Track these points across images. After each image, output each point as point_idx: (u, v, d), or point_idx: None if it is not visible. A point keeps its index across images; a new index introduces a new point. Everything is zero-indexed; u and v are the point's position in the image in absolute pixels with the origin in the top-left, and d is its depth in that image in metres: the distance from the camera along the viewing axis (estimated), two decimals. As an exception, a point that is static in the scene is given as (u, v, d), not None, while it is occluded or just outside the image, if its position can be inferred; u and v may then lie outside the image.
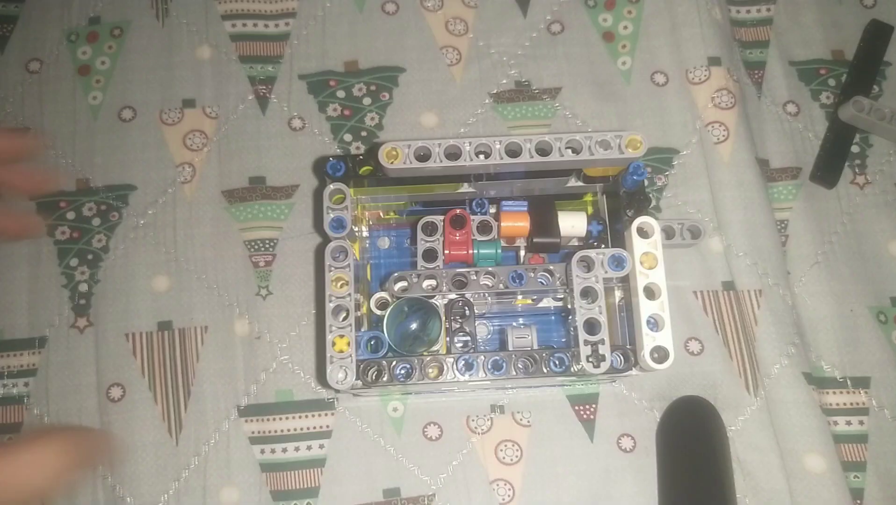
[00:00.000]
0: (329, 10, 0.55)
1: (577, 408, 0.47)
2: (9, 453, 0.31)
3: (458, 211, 0.37)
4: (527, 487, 0.45)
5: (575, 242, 0.40)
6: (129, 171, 0.52)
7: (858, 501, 0.45)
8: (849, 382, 0.48)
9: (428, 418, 0.47)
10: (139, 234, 0.50)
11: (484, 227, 0.39)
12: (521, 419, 0.47)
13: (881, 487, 0.46)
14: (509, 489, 0.45)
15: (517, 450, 0.46)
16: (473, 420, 0.47)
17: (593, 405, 0.47)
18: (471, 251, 0.38)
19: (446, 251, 0.37)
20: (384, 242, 0.45)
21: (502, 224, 0.38)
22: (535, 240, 0.37)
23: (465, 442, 0.46)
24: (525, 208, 0.38)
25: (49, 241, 0.50)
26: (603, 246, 0.39)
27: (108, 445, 0.40)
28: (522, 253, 0.41)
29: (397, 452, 0.46)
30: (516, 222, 0.38)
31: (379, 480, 0.46)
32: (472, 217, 0.39)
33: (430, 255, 0.38)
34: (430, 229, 0.38)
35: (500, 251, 0.38)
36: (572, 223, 0.38)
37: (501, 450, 0.46)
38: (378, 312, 0.38)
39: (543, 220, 0.38)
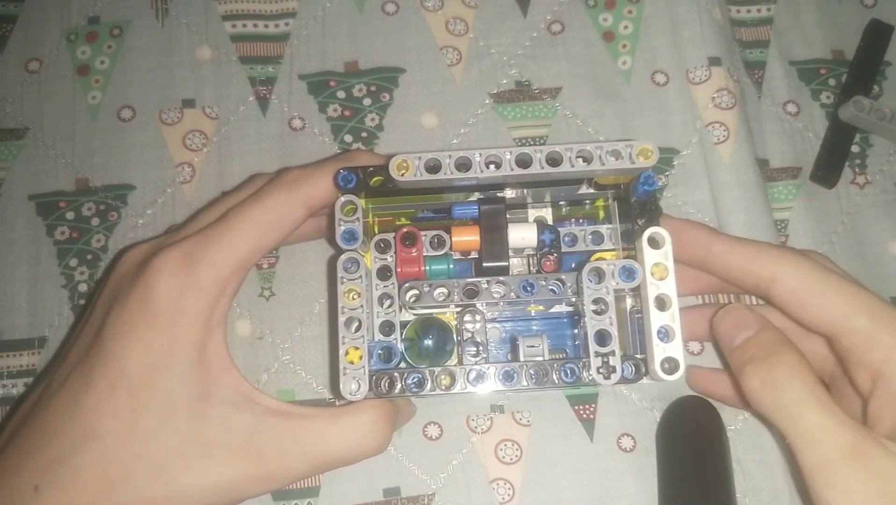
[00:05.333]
0: (329, 10, 0.55)
1: (576, 408, 0.47)
2: (339, 417, 0.37)
3: (405, 230, 0.38)
4: (526, 486, 0.46)
5: (529, 252, 0.39)
6: (128, 171, 0.52)
7: (858, 501, 0.45)
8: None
9: (428, 418, 0.47)
10: (138, 234, 0.50)
11: (438, 242, 0.39)
12: (520, 419, 0.47)
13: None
14: (509, 488, 0.45)
15: (517, 449, 0.46)
16: (473, 420, 0.47)
17: (593, 405, 0.47)
18: (422, 268, 0.38)
19: (398, 269, 0.37)
20: None
21: (454, 238, 0.38)
22: (484, 265, 0.37)
23: (464, 441, 0.46)
24: (476, 214, 0.38)
25: (48, 242, 0.50)
26: (554, 254, 0.38)
27: (412, 410, 0.44)
28: (528, 260, 0.40)
29: (397, 452, 0.46)
30: (467, 236, 0.37)
31: (379, 479, 0.46)
32: (424, 233, 0.39)
33: (383, 272, 0.38)
34: (384, 246, 0.38)
35: (452, 266, 0.38)
36: (522, 235, 0.38)
37: (501, 449, 0.46)
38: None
39: (492, 237, 0.37)
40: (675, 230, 0.38)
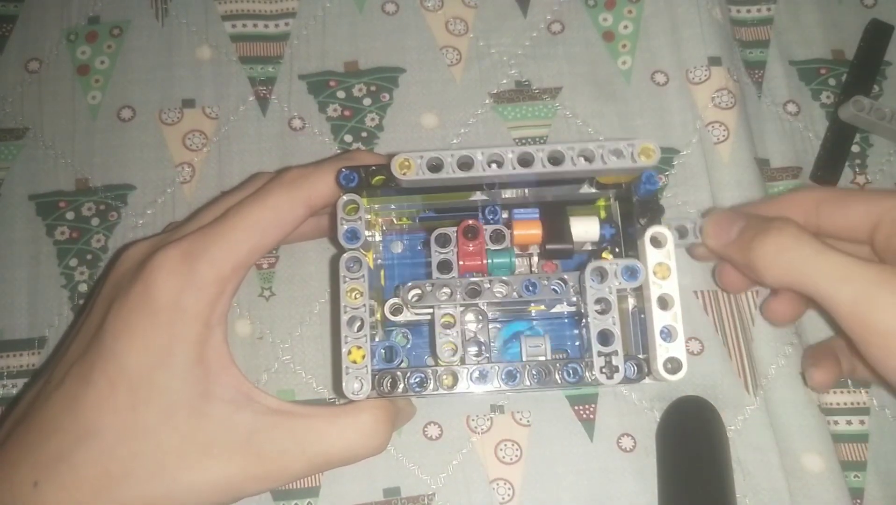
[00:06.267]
0: (329, 10, 0.55)
1: (576, 408, 0.47)
2: (339, 416, 0.37)
3: (470, 222, 0.37)
4: (526, 486, 0.45)
5: (588, 247, 0.40)
6: (128, 170, 0.52)
7: (858, 501, 0.45)
8: (849, 382, 0.48)
9: (428, 418, 0.47)
10: (138, 234, 0.50)
11: (497, 237, 0.39)
12: (520, 419, 0.47)
13: (881, 486, 0.46)
14: (509, 488, 0.45)
15: (517, 449, 0.46)
16: (473, 420, 0.47)
17: (593, 405, 0.47)
18: (485, 261, 0.37)
19: (460, 262, 0.37)
20: (397, 247, 0.45)
21: (515, 232, 0.38)
22: (548, 247, 0.37)
23: (465, 441, 0.46)
24: (537, 216, 0.38)
25: (48, 242, 0.50)
26: (617, 250, 0.39)
27: (412, 410, 0.44)
28: (535, 260, 0.40)
29: (397, 452, 0.46)
30: (529, 230, 0.37)
31: (379, 479, 0.46)
32: (485, 226, 0.38)
33: (444, 266, 0.38)
34: (444, 241, 0.38)
35: (514, 259, 0.38)
36: (585, 228, 0.38)
37: (501, 449, 0.46)
38: (392, 318, 0.38)
39: (556, 226, 0.37)
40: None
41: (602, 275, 0.35)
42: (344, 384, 0.34)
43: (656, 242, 0.35)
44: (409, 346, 0.44)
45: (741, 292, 0.48)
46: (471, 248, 0.37)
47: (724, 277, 0.45)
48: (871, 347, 0.34)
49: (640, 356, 0.35)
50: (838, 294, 0.34)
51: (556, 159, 0.34)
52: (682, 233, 0.43)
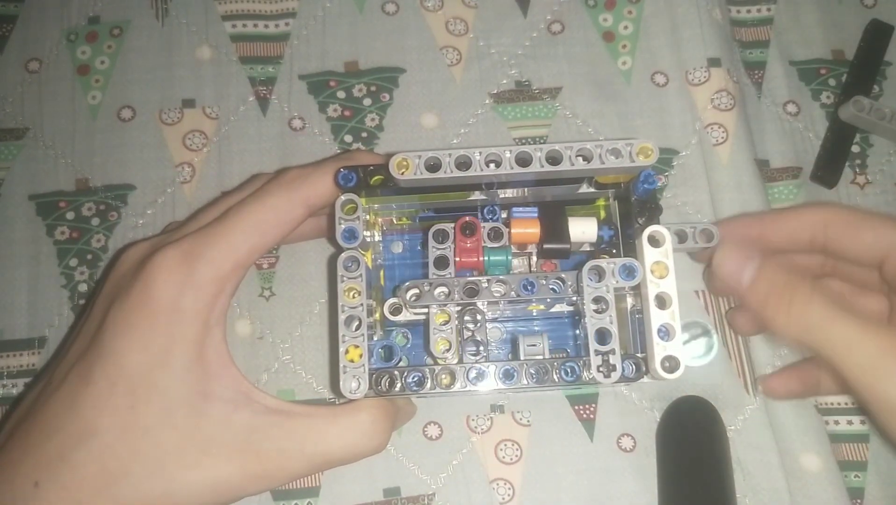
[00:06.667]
0: (329, 10, 0.55)
1: (576, 407, 0.47)
2: (338, 416, 0.37)
3: (467, 218, 0.37)
4: (526, 486, 0.46)
5: (587, 248, 0.40)
6: (128, 170, 0.52)
7: (859, 501, 0.45)
8: (849, 383, 0.48)
9: (428, 418, 0.47)
10: (138, 234, 0.50)
11: (495, 234, 0.39)
12: (520, 419, 0.47)
13: (882, 486, 0.46)
14: (509, 488, 0.45)
15: (517, 449, 0.46)
16: (473, 420, 0.47)
17: (593, 405, 0.47)
18: (481, 258, 0.37)
19: (457, 259, 0.37)
20: (397, 247, 0.45)
21: (513, 231, 0.38)
22: (545, 246, 0.37)
23: (465, 441, 0.46)
24: (535, 215, 0.38)
25: (48, 242, 0.50)
26: (614, 251, 0.39)
27: (412, 409, 0.44)
28: (534, 260, 0.40)
29: (397, 452, 0.46)
30: (527, 229, 0.37)
31: (379, 479, 0.46)
32: (483, 224, 0.38)
33: (441, 262, 0.38)
34: (442, 237, 0.38)
35: (510, 258, 0.38)
36: (583, 229, 0.38)
37: (501, 449, 0.46)
38: (391, 318, 0.38)
39: (554, 226, 0.38)
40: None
41: (600, 274, 0.35)
42: (341, 383, 0.34)
43: (654, 241, 0.35)
44: (408, 345, 0.44)
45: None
46: (468, 245, 0.37)
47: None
48: (879, 414, 0.34)
49: (639, 355, 0.35)
50: (847, 362, 0.34)
51: (554, 159, 0.34)
52: (681, 238, 0.43)
